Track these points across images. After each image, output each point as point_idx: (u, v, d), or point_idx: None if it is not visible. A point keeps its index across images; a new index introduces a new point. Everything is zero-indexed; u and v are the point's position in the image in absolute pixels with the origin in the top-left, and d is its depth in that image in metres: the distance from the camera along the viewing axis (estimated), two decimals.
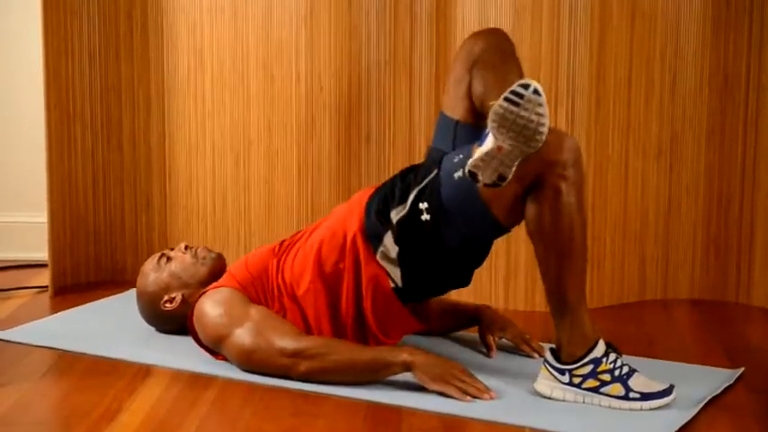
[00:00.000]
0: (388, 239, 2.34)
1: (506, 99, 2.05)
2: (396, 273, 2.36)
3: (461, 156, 2.26)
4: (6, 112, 3.52)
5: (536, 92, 2.04)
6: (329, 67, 3.11)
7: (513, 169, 2.10)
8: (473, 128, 2.35)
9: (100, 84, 3.21)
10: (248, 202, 3.22)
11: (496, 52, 2.38)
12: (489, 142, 2.09)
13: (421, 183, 2.33)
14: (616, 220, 3.02)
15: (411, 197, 2.32)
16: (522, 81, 2.05)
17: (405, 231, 2.32)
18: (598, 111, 2.93)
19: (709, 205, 3.07)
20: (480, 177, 2.12)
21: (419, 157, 3.07)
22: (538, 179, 2.17)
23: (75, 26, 3.16)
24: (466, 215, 2.26)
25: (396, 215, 2.33)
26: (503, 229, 2.30)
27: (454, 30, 2.96)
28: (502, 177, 2.11)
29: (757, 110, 2.99)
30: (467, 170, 2.14)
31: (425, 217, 2.29)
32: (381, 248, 2.35)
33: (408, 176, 2.39)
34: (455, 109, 2.42)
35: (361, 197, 2.45)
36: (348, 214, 2.43)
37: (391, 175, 3.06)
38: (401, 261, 2.34)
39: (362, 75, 3.10)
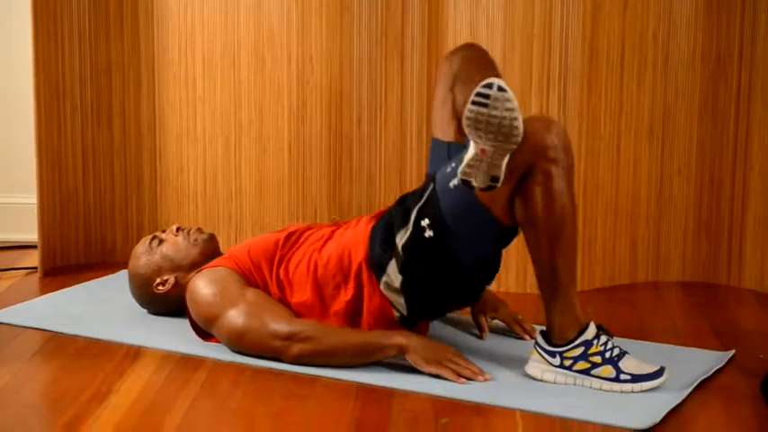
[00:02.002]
0: (392, 269, 2.32)
1: (474, 102, 2.05)
2: (400, 302, 2.34)
3: (453, 165, 2.24)
4: (2, 98, 3.49)
5: (500, 89, 2.04)
6: (320, 48, 3.09)
7: (504, 168, 2.10)
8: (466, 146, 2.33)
9: (90, 64, 3.19)
10: (239, 183, 3.20)
11: (473, 64, 2.40)
12: (472, 148, 2.10)
13: (419, 201, 2.30)
14: (608, 201, 3.01)
15: (413, 216, 2.29)
16: (486, 81, 2.05)
17: (410, 255, 2.29)
18: (590, 92, 2.92)
19: (701, 186, 3.06)
20: (474, 183, 2.12)
21: (411, 138, 3.07)
22: (529, 168, 2.16)
23: (64, 6, 3.13)
24: (469, 223, 2.24)
25: (400, 239, 2.30)
26: (508, 231, 2.27)
27: (446, 10, 2.94)
28: (495, 179, 2.10)
29: (749, 88, 2.98)
30: (459, 179, 2.14)
31: (429, 234, 2.26)
32: (385, 278, 2.33)
33: (406, 200, 2.36)
34: (445, 132, 2.44)
35: (367, 224, 2.43)
36: (355, 242, 2.39)
37: (382, 156, 3.10)
38: (405, 290, 2.32)
39: (354, 56, 3.08)
